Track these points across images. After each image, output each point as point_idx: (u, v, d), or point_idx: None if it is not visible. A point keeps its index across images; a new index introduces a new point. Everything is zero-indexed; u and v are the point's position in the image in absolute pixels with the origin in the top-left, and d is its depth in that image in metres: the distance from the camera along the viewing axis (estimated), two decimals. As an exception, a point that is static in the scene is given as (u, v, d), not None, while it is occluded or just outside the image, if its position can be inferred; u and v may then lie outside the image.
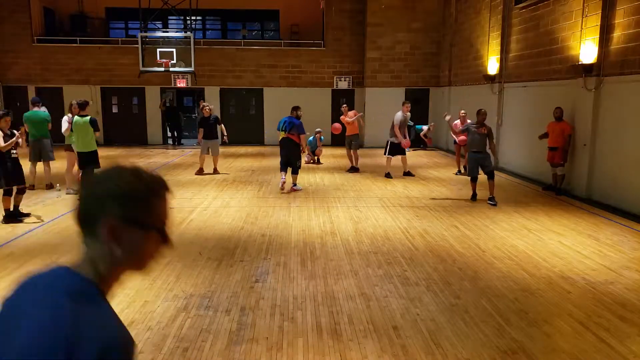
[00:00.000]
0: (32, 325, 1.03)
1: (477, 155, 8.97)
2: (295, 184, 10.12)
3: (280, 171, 10.06)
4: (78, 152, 9.03)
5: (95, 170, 1.34)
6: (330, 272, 5.47)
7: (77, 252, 1.19)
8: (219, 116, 18.55)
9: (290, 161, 9.90)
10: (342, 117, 12.66)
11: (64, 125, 9.40)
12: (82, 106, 9.02)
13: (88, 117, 8.91)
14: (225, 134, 12.48)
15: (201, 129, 11.88)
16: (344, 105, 13.09)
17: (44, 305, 1.06)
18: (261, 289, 5.01)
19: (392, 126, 11.33)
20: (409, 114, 11.51)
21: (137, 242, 1.18)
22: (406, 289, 5.02)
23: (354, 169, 12.63)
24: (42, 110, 10.27)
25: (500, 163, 13.26)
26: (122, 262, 1.18)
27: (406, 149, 11.60)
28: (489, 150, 9.06)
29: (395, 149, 11.43)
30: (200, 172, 11.86)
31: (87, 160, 8.88)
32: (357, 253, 6.14)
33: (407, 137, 11.60)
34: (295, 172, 10.04)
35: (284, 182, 9.92)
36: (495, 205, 8.81)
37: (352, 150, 12.54)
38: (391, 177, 11.44)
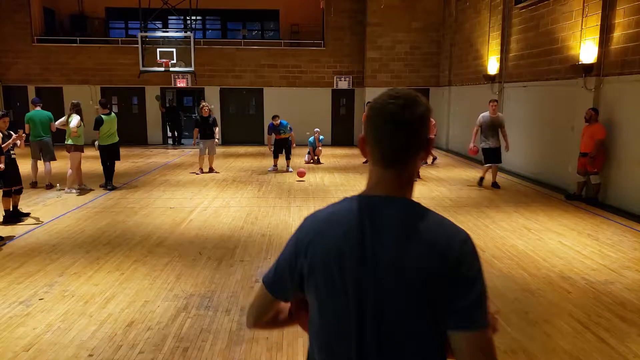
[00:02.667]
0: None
1: None
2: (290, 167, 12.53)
3: (276, 158, 12.57)
4: (107, 146, 9.87)
5: None
6: (330, 272, 5.46)
7: None
8: (220, 116, 18.79)
9: (286, 151, 12.44)
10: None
11: (74, 122, 9.42)
12: (106, 105, 10.04)
13: (114, 114, 10.19)
14: (218, 137, 12.59)
15: (197, 129, 12.00)
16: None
17: None
18: (261, 289, 5.00)
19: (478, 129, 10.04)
20: (500, 114, 10.04)
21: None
22: (406, 288, 5.01)
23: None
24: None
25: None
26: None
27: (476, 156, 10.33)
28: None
29: (491, 155, 9.98)
30: (200, 172, 11.97)
31: (115, 150, 10.09)
32: (357, 253, 6.13)
33: (491, 143, 9.89)
34: (289, 158, 12.58)
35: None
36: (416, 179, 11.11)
37: None
38: (481, 186, 10.29)
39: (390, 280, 1.23)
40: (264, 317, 1.48)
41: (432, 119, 12.97)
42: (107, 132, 9.87)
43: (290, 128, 12.42)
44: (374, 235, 1.26)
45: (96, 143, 9.98)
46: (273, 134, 12.41)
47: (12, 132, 7.38)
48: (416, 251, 1.23)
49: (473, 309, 1.24)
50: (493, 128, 9.85)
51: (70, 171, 9.55)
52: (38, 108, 10.19)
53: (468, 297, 1.22)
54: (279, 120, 12.26)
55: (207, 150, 11.91)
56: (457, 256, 1.23)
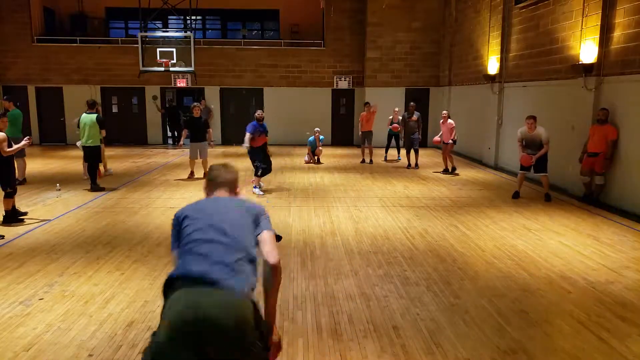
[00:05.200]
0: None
1: (411, 137, 12.98)
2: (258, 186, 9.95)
3: (261, 176, 9.83)
4: (82, 147, 9.94)
5: None
6: (330, 272, 5.47)
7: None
8: (220, 116, 18.80)
9: (269, 164, 9.91)
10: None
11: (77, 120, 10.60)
12: (92, 105, 10.09)
13: (95, 115, 9.88)
14: (212, 139, 11.82)
15: (185, 130, 11.35)
16: (396, 109, 14.19)
17: None
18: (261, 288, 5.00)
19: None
20: (539, 130, 8.91)
21: None
22: (406, 289, 5.02)
23: (367, 162, 14.10)
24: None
25: (500, 163, 13.28)
26: None
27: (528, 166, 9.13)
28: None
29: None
30: (191, 176, 11.33)
31: (90, 154, 9.90)
32: (357, 253, 6.14)
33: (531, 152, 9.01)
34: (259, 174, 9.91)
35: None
36: (417, 169, 12.76)
37: (369, 146, 14.00)
38: (517, 197, 9.35)
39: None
40: None
41: (452, 122, 12.04)
42: (81, 132, 9.86)
43: (247, 128, 9.81)
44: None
45: (78, 143, 10.31)
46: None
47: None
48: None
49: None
50: (533, 144, 8.97)
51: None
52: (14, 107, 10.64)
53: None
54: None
55: (198, 153, 11.26)
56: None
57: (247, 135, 9.67)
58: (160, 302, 4.61)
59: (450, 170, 12.29)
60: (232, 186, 2.88)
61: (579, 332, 4.11)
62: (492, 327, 4.19)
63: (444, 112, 12.53)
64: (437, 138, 12.43)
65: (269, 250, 2.49)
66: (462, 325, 4.22)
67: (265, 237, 2.55)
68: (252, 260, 2.45)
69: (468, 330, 4.12)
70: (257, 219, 2.62)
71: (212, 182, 2.83)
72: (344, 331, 4.10)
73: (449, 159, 12.32)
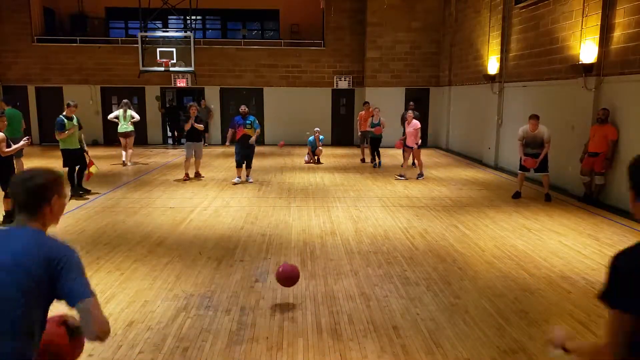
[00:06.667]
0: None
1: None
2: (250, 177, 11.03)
3: (239, 167, 10.83)
4: (71, 150, 9.33)
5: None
6: (330, 272, 5.47)
7: None
8: (220, 116, 18.79)
9: (249, 155, 10.81)
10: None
11: (136, 114, 13.19)
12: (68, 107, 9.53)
13: (75, 118, 9.38)
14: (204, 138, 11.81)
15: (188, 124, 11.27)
16: (376, 109, 13.58)
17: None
18: (261, 289, 5.00)
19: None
20: (542, 128, 8.84)
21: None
22: (406, 289, 5.02)
23: (368, 161, 14.13)
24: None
25: (500, 163, 13.28)
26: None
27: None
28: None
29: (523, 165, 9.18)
30: (186, 178, 11.08)
31: (63, 158, 9.29)
32: (357, 253, 6.14)
33: (531, 151, 9.01)
34: (251, 166, 11.03)
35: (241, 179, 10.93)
36: (414, 166, 12.24)
37: (368, 145, 13.94)
38: (518, 197, 9.31)
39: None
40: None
41: (417, 123, 11.25)
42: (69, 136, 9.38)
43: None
44: None
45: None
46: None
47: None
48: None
49: None
50: (534, 142, 8.93)
51: (131, 150, 13.10)
52: (10, 107, 10.58)
53: None
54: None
55: (193, 153, 11.08)
56: None
57: (229, 132, 10.95)
58: (159, 302, 4.63)
59: (417, 176, 11.46)
60: (34, 208, 1.96)
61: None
62: (492, 327, 4.19)
63: (409, 112, 11.57)
64: (399, 142, 11.78)
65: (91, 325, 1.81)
66: (462, 325, 4.22)
67: (82, 308, 1.82)
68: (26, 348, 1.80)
69: (468, 330, 4.12)
70: (55, 274, 1.87)
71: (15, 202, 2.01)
72: (344, 331, 4.10)
73: (418, 164, 11.71)
